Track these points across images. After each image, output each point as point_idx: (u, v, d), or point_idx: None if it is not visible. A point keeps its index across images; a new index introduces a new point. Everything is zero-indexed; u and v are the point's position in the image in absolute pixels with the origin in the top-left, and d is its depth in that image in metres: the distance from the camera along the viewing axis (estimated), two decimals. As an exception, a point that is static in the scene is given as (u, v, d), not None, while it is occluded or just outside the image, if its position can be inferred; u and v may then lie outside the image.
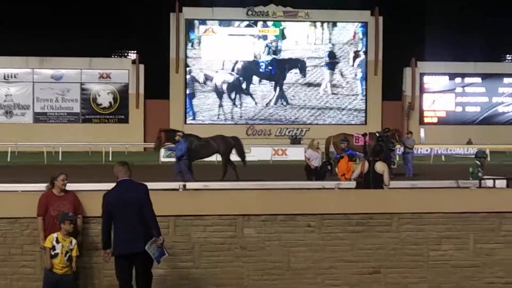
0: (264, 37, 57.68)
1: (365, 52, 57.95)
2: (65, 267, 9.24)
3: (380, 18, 57.24)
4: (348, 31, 58.31)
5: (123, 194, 8.64)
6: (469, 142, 48.31)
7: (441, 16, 54.63)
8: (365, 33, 57.96)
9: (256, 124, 56.94)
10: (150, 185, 13.35)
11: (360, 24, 58.04)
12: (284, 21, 57.36)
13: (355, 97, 58.32)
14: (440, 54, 56.11)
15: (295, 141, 50.57)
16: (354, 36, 58.18)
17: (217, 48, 56.71)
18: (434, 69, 58.64)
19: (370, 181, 12.31)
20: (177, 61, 56.09)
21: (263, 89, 57.54)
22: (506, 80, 59.53)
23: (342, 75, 58.11)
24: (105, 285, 9.82)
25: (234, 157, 25.23)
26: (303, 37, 57.86)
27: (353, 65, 58.29)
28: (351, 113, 58.25)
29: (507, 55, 61.37)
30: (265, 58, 57.56)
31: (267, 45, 57.64)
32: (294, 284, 10.03)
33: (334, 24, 57.99)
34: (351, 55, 58.39)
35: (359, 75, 58.18)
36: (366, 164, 12.46)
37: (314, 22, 57.75)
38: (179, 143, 20.76)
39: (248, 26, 57.35)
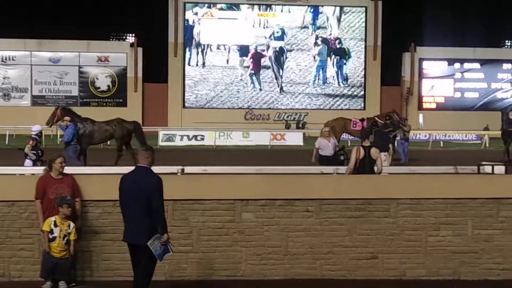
0: (263, 21, 57.45)
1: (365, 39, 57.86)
2: (63, 250, 9.24)
3: (380, 3, 57.04)
4: (349, 17, 58.17)
5: (134, 181, 8.29)
6: (486, 129, 47.71)
7: (440, 1, 54.39)
8: (365, 18, 57.80)
9: (254, 108, 56.86)
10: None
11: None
12: (283, 5, 57.11)
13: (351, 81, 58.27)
14: (439, 39, 55.94)
15: (300, 126, 50.17)
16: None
17: (215, 32, 56.48)
18: (433, 55, 58.50)
19: (365, 167, 12.20)
20: (175, 44, 55.92)
21: (261, 74, 57.38)
22: (505, 66, 59.45)
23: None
24: (103, 268, 9.84)
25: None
26: (300, 22, 57.65)
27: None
28: (349, 98, 58.19)
29: (506, 41, 61.18)
30: (264, 42, 57.35)
31: (266, 29, 57.41)
32: (292, 269, 10.05)
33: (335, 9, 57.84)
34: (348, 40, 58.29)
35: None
36: (361, 150, 12.34)
37: (314, 6, 57.51)
38: (68, 127, 19.67)
39: (247, 9, 57.09)
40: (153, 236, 8.14)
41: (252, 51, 56.99)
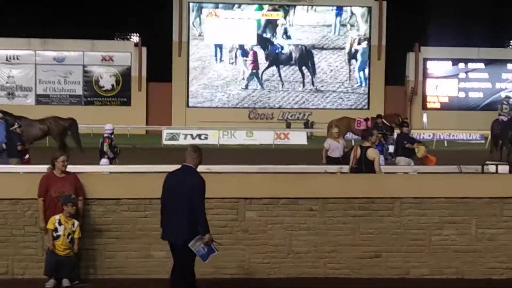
0: (268, 21, 57.45)
1: (369, 39, 57.85)
2: (67, 248, 9.26)
3: (384, 3, 56.99)
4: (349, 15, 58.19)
5: (178, 180, 8.27)
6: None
7: (444, 1, 54.32)
8: (369, 18, 57.78)
9: (258, 108, 56.86)
10: (152, 167, 13.44)
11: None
12: (288, 5, 57.11)
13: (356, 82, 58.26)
14: (443, 39, 55.86)
15: (307, 125, 50.03)
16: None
17: (220, 32, 56.50)
18: (437, 55, 58.43)
19: (362, 167, 12.07)
20: (179, 44, 55.95)
21: (266, 73, 57.37)
22: (510, 66, 59.33)
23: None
24: (106, 266, 9.85)
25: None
26: (305, 21, 57.63)
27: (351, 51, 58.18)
28: (354, 98, 58.16)
29: (511, 41, 61.10)
30: (268, 41, 57.35)
31: (271, 29, 57.42)
32: (295, 267, 10.04)
33: (338, 8, 57.83)
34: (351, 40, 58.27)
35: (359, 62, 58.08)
36: (358, 150, 12.25)
37: (318, 6, 57.51)
38: None
39: (251, 9, 57.11)
40: (195, 238, 8.06)
41: (255, 50, 56.98)
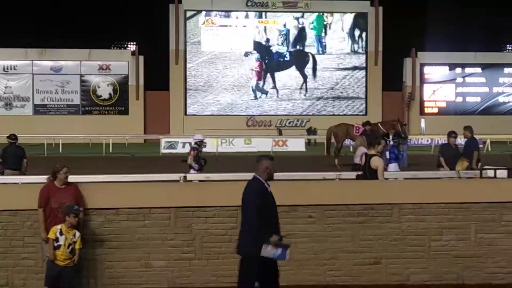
0: (265, 28, 57.57)
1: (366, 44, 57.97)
2: (67, 259, 9.23)
3: (380, 8, 57.14)
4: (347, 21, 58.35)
5: (243, 192, 8.22)
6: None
7: (441, 6, 54.46)
8: (365, 24, 57.94)
9: (256, 115, 56.89)
10: (151, 176, 13.42)
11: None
12: (283, 11, 57.24)
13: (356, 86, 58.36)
14: (440, 44, 56.01)
15: (311, 132, 49.99)
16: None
17: (216, 39, 56.59)
18: (434, 60, 58.58)
19: (367, 174, 12.07)
20: (176, 52, 56.03)
21: (262, 80, 57.45)
22: (507, 70, 59.51)
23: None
24: (106, 276, 9.82)
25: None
26: (301, 27, 57.79)
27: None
28: (351, 104, 58.22)
29: (507, 45, 61.23)
30: (264, 48, 57.47)
31: (267, 36, 57.53)
32: (295, 275, 10.01)
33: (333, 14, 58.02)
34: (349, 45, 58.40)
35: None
36: (363, 157, 12.27)
37: (313, 12, 57.65)
38: None
39: (247, 16, 57.24)
40: (262, 247, 7.92)
41: (252, 57, 57.10)
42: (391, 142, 21.05)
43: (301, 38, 57.86)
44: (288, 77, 57.64)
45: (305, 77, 57.63)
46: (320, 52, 57.91)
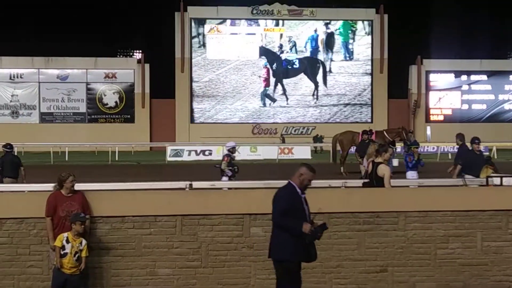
0: (269, 36, 57.67)
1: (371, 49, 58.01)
2: (73, 267, 9.24)
3: (386, 16, 57.18)
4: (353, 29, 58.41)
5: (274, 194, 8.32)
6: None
7: (446, 14, 54.50)
8: (371, 31, 57.99)
9: (262, 123, 56.94)
10: (156, 184, 13.45)
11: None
12: (289, 19, 57.35)
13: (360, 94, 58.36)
14: (445, 51, 56.02)
15: (317, 140, 49.96)
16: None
17: (222, 47, 56.71)
18: (440, 67, 58.55)
19: (373, 182, 12.05)
20: (182, 60, 56.15)
21: (269, 88, 57.52)
22: (512, 77, 59.41)
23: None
24: (112, 284, 9.82)
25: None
26: (307, 35, 57.90)
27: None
28: (356, 111, 58.22)
29: (513, 52, 61.23)
30: (270, 56, 57.55)
31: (273, 44, 57.62)
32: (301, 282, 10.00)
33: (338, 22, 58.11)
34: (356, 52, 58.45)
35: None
36: (370, 165, 12.25)
37: (319, 20, 57.75)
38: None
39: (252, 25, 57.36)
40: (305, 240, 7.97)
41: (259, 64, 57.19)
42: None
43: (307, 46, 57.92)
44: (294, 84, 57.69)
45: (316, 84, 57.65)
46: (327, 59, 57.93)
